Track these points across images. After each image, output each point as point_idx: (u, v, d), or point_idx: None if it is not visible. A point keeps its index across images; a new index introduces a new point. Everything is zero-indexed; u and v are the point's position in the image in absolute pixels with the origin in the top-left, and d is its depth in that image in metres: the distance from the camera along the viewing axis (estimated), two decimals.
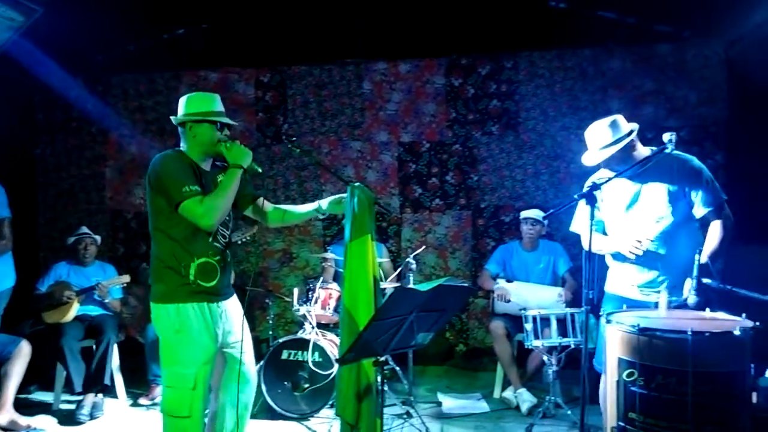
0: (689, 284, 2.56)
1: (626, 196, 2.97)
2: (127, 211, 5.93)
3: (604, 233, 3.10)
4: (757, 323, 2.36)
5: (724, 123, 5.14)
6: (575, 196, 2.63)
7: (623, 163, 2.88)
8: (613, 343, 2.45)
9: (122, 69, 5.79)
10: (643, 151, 2.95)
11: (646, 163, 2.79)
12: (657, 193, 2.89)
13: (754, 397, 2.40)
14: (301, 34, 5.42)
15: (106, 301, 4.52)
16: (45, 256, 5.83)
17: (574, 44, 5.34)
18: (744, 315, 2.48)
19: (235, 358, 2.72)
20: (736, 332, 2.26)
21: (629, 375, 2.35)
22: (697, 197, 2.84)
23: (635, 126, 2.95)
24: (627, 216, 2.98)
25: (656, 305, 2.80)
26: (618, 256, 3.01)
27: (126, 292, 5.52)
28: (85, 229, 4.77)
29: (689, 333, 2.20)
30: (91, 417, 4.11)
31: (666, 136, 2.59)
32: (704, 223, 2.93)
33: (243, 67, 5.72)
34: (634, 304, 2.89)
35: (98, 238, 4.82)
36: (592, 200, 2.52)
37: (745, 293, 2.32)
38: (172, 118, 2.74)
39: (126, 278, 4.56)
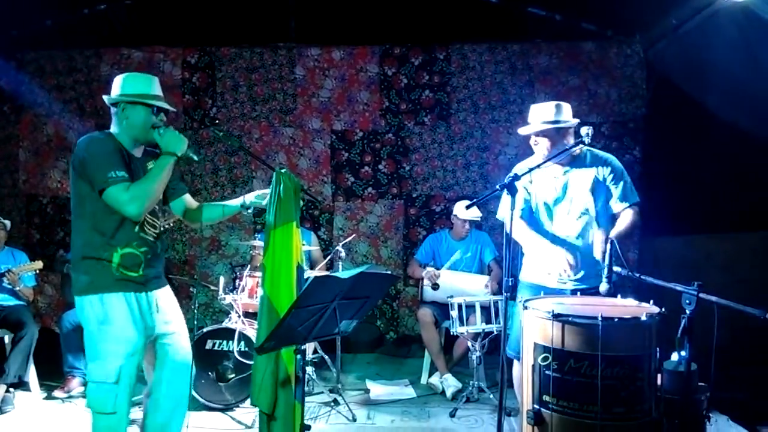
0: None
1: (555, 187, 3.09)
2: (42, 195, 5.62)
3: (531, 221, 3.19)
4: (663, 309, 2.50)
5: (642, 120, 5.40)
6: (497, 187, 2.69)
7: (552, 146, 3.00)
8: (530, 329, 2.53)
9: (38, 45, 5.45)
10: (577, 149, 3.07)
11: (563, 154, 2.90)
12: (582, 186, 3.05)
13: (659, 380, 2.53)
14: (232, 15, 5.25)
15: (17, 288, 4.27)
16: None
17: (504, 39, 5.46)
18: (651, 301, 2.62)
19: (171, 349, 2.63)
20: (643, 318, 2.38)
21: (544, 359, 2.44)
22: (617, 192, 3.04)
23: (577, 120, 3.08)
24: (555, 207, 3.10)
25: (572, 293, 2.93)
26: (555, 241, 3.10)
27: (42, 280, 5.26)
28: None
29: (599, 319, 2.30)
30: (1, 411, 3.90)
31: (584, 130, 2.70)
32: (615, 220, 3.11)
33: (169, 47, 5.51)
34: (550, 292, 2.99)
35: (8, 222, 4.54)
36: (512, 190, 2.58)
37: (651, 281, 2.44)
38: (105, 97, 2.59)
39: (38, 265, 4.31)
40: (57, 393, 4.23)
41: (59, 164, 5.56)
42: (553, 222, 3.10)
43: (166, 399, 2.63)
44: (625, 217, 3.03)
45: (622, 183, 3.04)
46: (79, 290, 2.47)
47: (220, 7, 5.19)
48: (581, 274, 3.00)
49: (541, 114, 3.07)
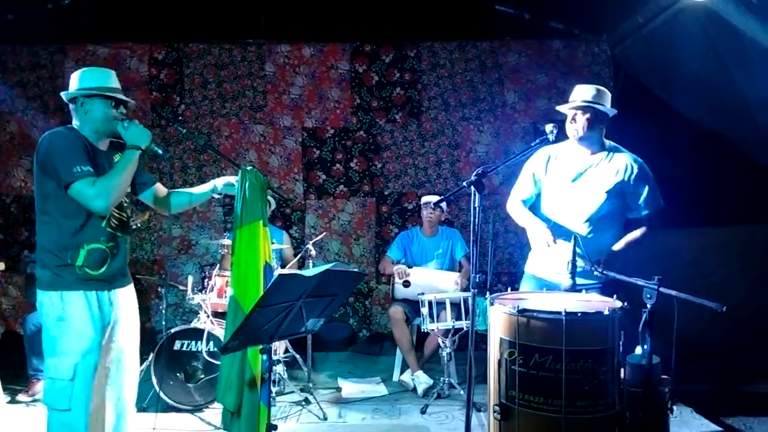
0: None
1: (570, 174, 3.07)
2: (6, 195, 5.48)
3: (536, 207, 3.21)
4: (625, 304, 2.54)
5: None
6: (464, 184, 2.70)
7: (588, 127, 2.97)
8: (496, 324, 2.55)
9: (0, 39, 5.31)
10: (606, 140, 3.09)
11: (527, 152, 2.90)
12: (600, 182, 3.03)
13: (623, 373, 2.58)
14: (200, 10, 5.18)
15: None
16: None
17: (474, 36, 5.49)
18: (615, 296, 2.66)
19: (118, 352, 2.60)
20: (606, 312, 2.42)
21: (510, 354, 2.46)
22: (641, 198, 3.02)
23: (615, 111, 3.06)
24: (562, 194, 3.08)
25: (572, 288, 2.91)
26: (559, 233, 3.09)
27: (6, 281, 5.14)
28: None
29: (563, 313, 2.33)
30: None
31: (548, 128, 2.72)
32: (630, 223, 3.13)
33: (135, 43, 5.42)
34: (553, 287, 2.98)
35: None
36: (479, 187, 2.59)
37: (613, 275, 2.48)
38: (62, 94, 2.57)
39: None
40: (21, 397, 4.13)
41: (23, 163, 5.43)
42: (563, 211, 3.09)
43: (112, 401, 2.62)
44: (636, 232, 3.05)
45: (645, 189, 3.02)
46: (40, 284, 2.47)
47: (188, 2, 5.11)
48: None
49: (585, 93, 3.02)
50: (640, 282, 2.37)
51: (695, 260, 5.10)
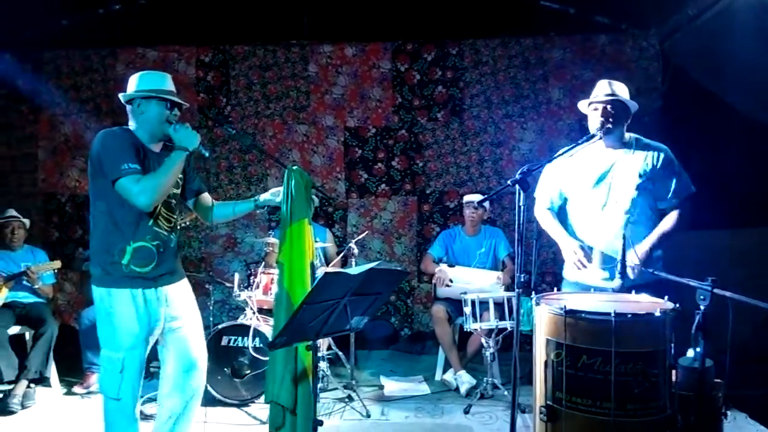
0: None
1: (594, 175, 2.98)
2: (61, 194, 5.71)
3: (562, 214, 3.13)
4: (677, 305, 2.47)
5: (657, 113, 5.32)
6: (509, 182, 2.67)
7: (616, 121, 2.89)
8: (542, 325, 2.51)
9: (55, 45, 5.54)
10: (626, 134, 3.00)
11: (573, 149, 2.84)
12: (627, 177, 2.93)
13: (674, 376, 2.51)
14: (245, 13, 5.27)
15: (36, 286, 4.34)
16: None
17: (517, 33, 5.42)
18: (666, 297, 2.59)
19: (181, 343, 2.69)
20: (657, 314, 2.36)
21: (557, 355, 2.42)
22: (670, 187, 2.90)
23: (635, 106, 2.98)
24: (591, 196, 2.99)
25: (613, 290, 2.83)
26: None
27: (61, 277, 5.35)
28: (12, 212, 4.56)
29: (612, 314, 2.28)
30: (23, 406, 3.98)
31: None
32: (663, 216, 3.01)
33: (183, 45, 5.57)
34: (599, 291, 2.90)
35: (27, 221, 4.62)
36: (524, 186, 2.56)
37: (665, 276, 2.42)
38: (120, 95, 2.67)
39: (57, 264, 4.38)
40: (76, 389, 4.31)
41: (77, 163, 5.65)
42: (591, 214, 2.99)
43: (174, 394, 2.71)
44: (670, 218, 2.92)
45: (675, 177, 2.89)
46: (93, 280, 2.59)
47: (233, 5, 5.20)
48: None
49: (607, 87, 2.93)
50: (693, 283, 2.30)
51: (747, 260, 4.92)
